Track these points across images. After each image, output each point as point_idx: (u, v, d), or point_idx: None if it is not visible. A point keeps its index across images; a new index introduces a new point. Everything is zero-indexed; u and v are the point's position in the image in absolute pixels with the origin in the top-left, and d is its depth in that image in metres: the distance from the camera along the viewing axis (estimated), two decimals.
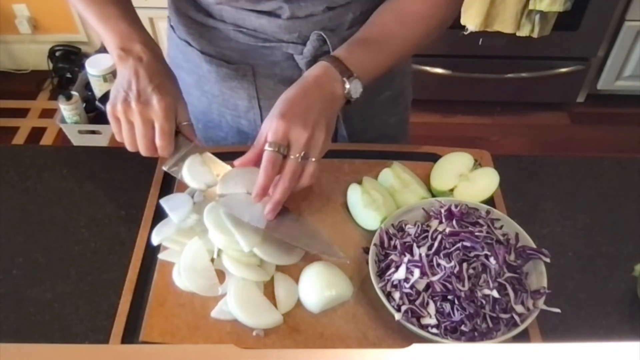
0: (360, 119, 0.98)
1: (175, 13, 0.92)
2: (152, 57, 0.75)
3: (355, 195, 0.82)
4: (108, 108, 0.73)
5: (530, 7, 1.91)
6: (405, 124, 1.09)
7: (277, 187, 0.71)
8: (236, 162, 0.74)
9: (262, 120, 0.92)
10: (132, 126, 0.73)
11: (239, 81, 0.91)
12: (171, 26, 0.95)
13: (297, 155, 0.70)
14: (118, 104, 0.72)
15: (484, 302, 0.67)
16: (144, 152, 0.74)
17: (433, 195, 0.83)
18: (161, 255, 0.77)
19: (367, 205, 0.80)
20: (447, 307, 0.67)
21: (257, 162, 0.71)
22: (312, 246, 0.75)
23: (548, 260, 0.71)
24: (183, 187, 0.85)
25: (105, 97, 0.68)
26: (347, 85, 0.74)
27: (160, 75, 0.74)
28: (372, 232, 0.77)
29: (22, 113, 2.51)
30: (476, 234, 0.71)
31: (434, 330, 0.67)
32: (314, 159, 0.71)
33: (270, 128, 0.70)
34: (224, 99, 0.94)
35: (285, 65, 0.87)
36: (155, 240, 0.78)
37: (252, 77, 0.90)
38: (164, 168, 0.77)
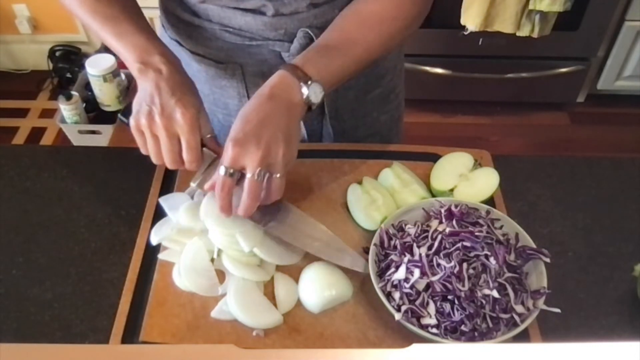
0: (351, 116, 0.98)
1: (164, 13, 0.93)
2: (173, 68, 0.74)
3: (355, 195, 0.82)
4: (131, 122, 0.73)
5: (530, 7, 1.91)
6: (397, 121, 1.09)
7: (240, 205, 0.70)
8: (206, 186, 0.74)
9: None
10: (157, 140, 0.72)
11: (229, 80, 0.91)
12: (162, 26, 0.96)
13: (254, 174, 0.68)
14: (142, 118, 0.71)
15: (484, 302, 0.67)
16: (170, 166, 0.73)
17: (433, 195, 0.83)
18: (161, 255, 0.77)
19: (367, 205, 0.80)
20: (447, 307, 0.67)
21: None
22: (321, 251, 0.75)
23: (548, 260, 0.71)
24: (183, 187, 0.85)
25: (127, 110, 0.68)
26: (305, 91, 0.71)
27: (182, 87, 0.73)
28: (372, 232, 0.77)
29: (22, 113, 2.51)
30: (476, 234, 0.71)
31: (434, 330, 0.67)
32: (277, 175, 0.70)
33: (225, 152, 0.69)
34: (215, 98, 0.95)
35: (274, 63, 0.87)
36: (154, 240, 0.78)
37: (241, 76, 0.90)
38: (193, 184, 0.75)
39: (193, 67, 0.92)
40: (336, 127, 0.97)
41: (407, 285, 0.68)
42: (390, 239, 0.75)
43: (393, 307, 0.68)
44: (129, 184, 0.89)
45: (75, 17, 1.28)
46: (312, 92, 0.72)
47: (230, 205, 0.70)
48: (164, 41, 0.94)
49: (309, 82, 0.72)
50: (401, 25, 0.81)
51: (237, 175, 0.69)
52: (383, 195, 0.81)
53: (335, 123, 0.96)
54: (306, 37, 0.84)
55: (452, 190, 0.83)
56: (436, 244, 0.71)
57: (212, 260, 0.76)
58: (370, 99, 0.99)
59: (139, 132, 0.73)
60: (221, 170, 0.68)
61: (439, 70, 2.24)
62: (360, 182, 0.84)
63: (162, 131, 0.71)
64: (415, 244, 0.72)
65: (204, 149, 0.75)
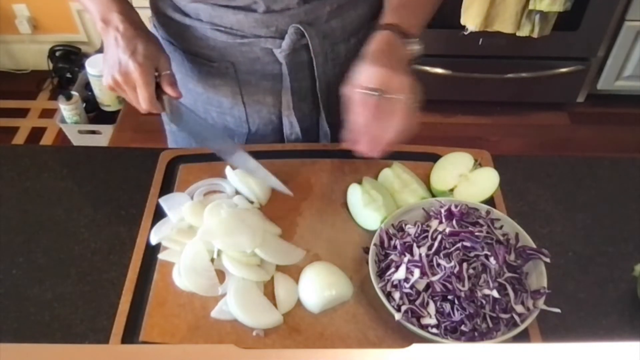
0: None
1: (155, 13, 0.93)
2: (129, 25, 0.79)
3: (355, 195, 0.82)
4: (104, 83, 0.80)
5: (530, 7, 1.91)
6: None
7: (390, 128, 0.74)
8: (343, 143, 0.78)
9: (247, 116, 0.94)
10: (126, 93, 0.80)
11: (222, 78, 0.91)
12: (154, 26, 0.96)
13: (395, 95, 0.73)
14: (109, 78, 0.79)
15: (484, 302, 0.67)
16: (142, 112, 0.81)
17: (433, 195, 0.83)
18: (161, 255, 0.77)
19: (367, 205, 0.80)
20: (447, 307, 0.67)
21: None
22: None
23: (548, 260, 0.71)
24: (183, 187, 0.85)
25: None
26: (412, 46, 0.79)
27: (136, 40, 0.78)
28: (372, 232, 0.77)
29: (22, 113, 2.51)
30: (476, 234, 0.71)
31: (434, 330, 0.67)
32: (410, 101, 0.74)
33: (363, 76, 0.74)
34: (208, 97, 0.95)
35: (266, 60, 0.88)
36: (153, 240, 0.78)
37: (234, 74, 0.90)
38: (168, 121, 0.84)
39: (186, 66, 0.92)
40: (331, 121, 0.97)
41: (407, 285, 0.68)
42: (390, 239, 0.75)
43: (393, 307, 0.68)
44: (129, 184, 0.89)
45: None
46: (414, 47, 0.79)
47: (364, 122, 0.75)
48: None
49: (410, 39, 0.79)
50: None
51: (379, 95, 0.73)
52: (383, 195, 0.81)
53: (330, 119, 0.96)
54: (297, 32, 0.84)
55: (452, 190, 0.83)
56: (436, 244, 0.71)
57: (212, 260, 0.76)
58: None
59: (112, 90, 0.80)
60: (359, 89, 0.73)
61: (439, 70, 2.24)
62: (360, 182, 0.84)
63: (124, 87, 0.78)
64: (415, 244, 0.72)
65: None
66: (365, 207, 0.80)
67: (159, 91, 0.80)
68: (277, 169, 0.87)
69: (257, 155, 0.89)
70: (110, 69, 0.78)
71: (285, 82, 0.89)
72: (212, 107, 0.96)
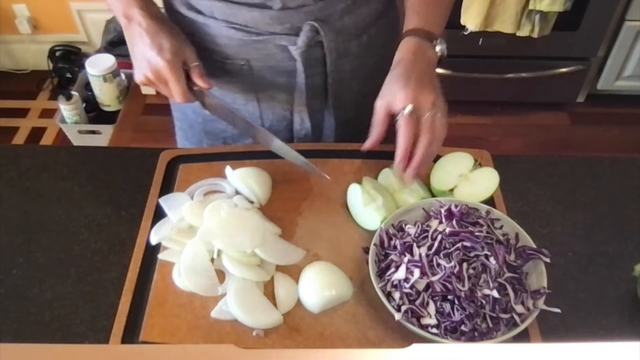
0: (355, 106, 0.98)
1: (168, 11, 0.93)
2: (150, 19, 0.81)
3: (355, 195, 0.82)
4: (136, 80, 0.83)
5: (530, 7, 1.91)
6: None
7: (418, 146, 0.76)
8: (366, 145, 0.81)
9: (260, 112, 0.95)
10: (160, 89, 0.83)
11: (236, 75, 0.91)
12: None
13: (430, 113, 0.76)
14: (141, 76, 0.82)
15: (484, 302, 0.67)
16: (180, 101, 0.83)
17: (433, 195, 0.83)
18: (161, 255, 0.77)
19: (367, 205, 0.80)
20: (447, 307, 0.67)
21: (382, 140, 0.80)
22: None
23: (548, 260, 0.71)
24: (183, 187, 0.85)
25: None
26: (438, 48, 0.82)
27: (160, 35, 0.80)
28: (372, 232, 0.77)
29: (22, 113, 2.51)
30: (476, 234, 0.71)
31: (434, 330, 0.67)
32: (439, 115, 0.77)
33: (396, 99, 0.77)
34: (222, 93, 0.95)
35: (280, 57, 0.88)
36: (153, 240, 0.78)
37: (248, 71, 0.90)
38: (206, 111, 0.87)
39: (200, 62, 0.92)
40: (339, 117, 0.97)
41: (407, 285, 0.68)
42: (390, 239, 0.75)
43: (393, 307, 0.68)
44: (129, 184, 0.89)
45: None
46: (442, 47, 0.82)
47: (411, 143, 0.76)
48: None
49: (437, 40, 0.82)
50: None
51: (417, 114, 0.76)
52: (383, 196, 0.81)
53: (338, 113, 0.97)
54: (312, 30, 0.84)
55: (452, 190, 0.83)
56: (436, 244, 0.71)
57: (212, 260, 0.76)
58: (374, 90, 0.99)
59: (146, 85, 0.83)
60: (403, 112, 0.75)
61: (439, 70, 2.22)
62: (360, 182, 0.84)
63: (157, 83, 0.81)
64: (415, 244, 0.72)
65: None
66: (365, 207, 0.80)
67: (190, 83, 0.82)
68: (276, 168, 0.87)
69: (257, 155, 0.89)
70: (140, 66, 0.81)
71: (299, 79, 0.90)
72: (226, 102, 0.96)
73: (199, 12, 0.87)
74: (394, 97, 0.77)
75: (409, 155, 0.77)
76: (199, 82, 0.81)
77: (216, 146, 1.02)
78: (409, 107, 0.75)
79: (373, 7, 0.91)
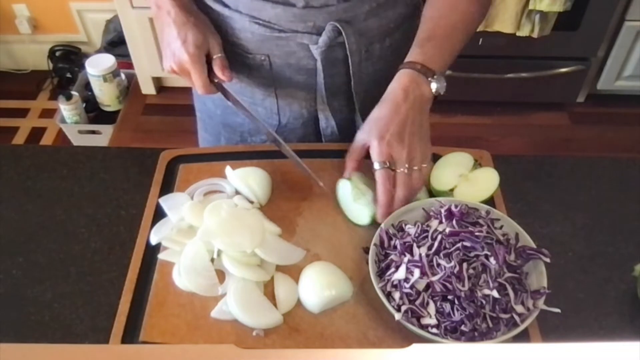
0: None
1: (195, 2, 0.93)
2: (179, 9, 0.84)
3: (344, 190, 0.82)
4: (165, 69, 0.86)
5: (530, 7, 1.91)
6: None
7: (395, 198, 0.78)
8: (345, 175, 0.82)
9: (278, 109, 0.96)
10: (184, 79, 0.85)
11: (256, 70, 0.92)
12: None
13: (404, 169, 0.77)
14: (167, 66, 0.85)
15: (484, 302, 0.67)
16: (201, 93, 0.85)
17: (433, 195, 0.83)
18: (161, 255, 0.77)
19: (357, 200, 0.80)
20: (447, 307, 0.67)
21: (358, 167, 0.82)
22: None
23: (548, 260, 0.71)
24: (183, 187, 0.85)
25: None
26: (434, 85, 0.80)
27: (186, 27, 0.83)
28: (364, 227, 0.78)
29: (22, 113, 2.51)
30: (476, 234, 0.71)
31: (434, 330, 0.66)
32: (415, 167, 0.78)
33: (372, 147, 0.78)
34: (242, 87, 0.96)
35: (301, 55, 0.88)
36: (153, 240, 0.78)
37: (268, 66, 0.91)
38: (227, 103, 0.88)
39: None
40: (365, 118, 0.97)
41: (407, 285, 0.68)
42: (390, 239, 0.75)
43: (393, 307, 0.68)
44: (129, 184, 0.89)
45: None
46: (439, 85, 0.80)
47: (391, 195, 0.78)
48: None
49: (435, 76, 0.80)
50: (482, 4, 0.89)
51: (392, 167, 0.78)
52: (373, 190, 0.81)
53: (364, 116, 0.96)
54: (334, 30, 0.85)
55: (452, 190, 0.83)
56: (436, 244, 0.71)
57: (212, 260, 0.76)
58: None
59: (173, 74, 0.86)
60: (376, 165, 0.77)
61: None
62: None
63: (180, 73, 0.84)
64: (415, 244, 0.72)
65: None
66: (355, 202, 0.80)
67: (211, 75, 0.84)
68: (276, 169, 0.87)
69: (257, 155, 0.89)
70: (167, 56, 0.84)
71: (319, 78, 0.90)
72: (244, 97, 0.97)
73: (225, 5, 0.88)
74: (371, 143, 0.78)
75: (389, 208, 0.77)
76: (219, 73, 0.83)
77: (232, 140, 1.04)
78: (382, 164, 0.76)
79: (398, 11, 0.90)
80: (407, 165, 0.77)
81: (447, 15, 0.85)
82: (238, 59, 0.92)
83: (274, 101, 0.95)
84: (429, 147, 0.81)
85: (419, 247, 0.71)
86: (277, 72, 0.91)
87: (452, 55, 0.85)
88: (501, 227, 0.75)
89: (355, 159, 0.82)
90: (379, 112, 0.80)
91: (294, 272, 0.76)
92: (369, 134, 0.79)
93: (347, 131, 0.99)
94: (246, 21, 0.87)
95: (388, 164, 0.77)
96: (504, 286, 0.68)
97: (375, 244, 0.74)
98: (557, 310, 0.69)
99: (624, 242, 0.81)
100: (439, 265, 0.69)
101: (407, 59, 0.82)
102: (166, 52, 0.85)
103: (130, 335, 0.70)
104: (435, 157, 0.87)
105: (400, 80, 0.80)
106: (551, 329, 0.71)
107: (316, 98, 0.94)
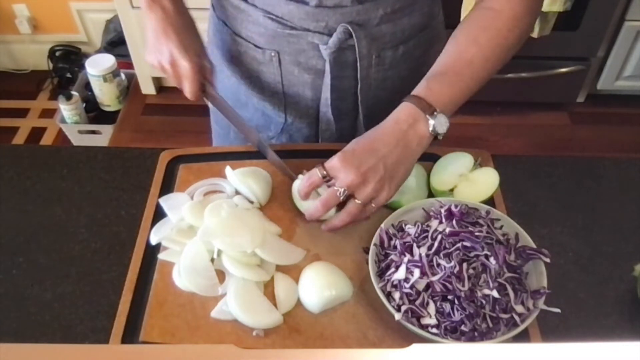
0: (385, 115, 0.98)
1: None
2: (176, 9, 0.84)
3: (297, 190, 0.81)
4: (148, 61, 0.86)
5: None
6: None
7: (335, 218, 0.77)
8: (301, 195, 0.79)
9: (285, 106, 0.96)
10: (171, 79, 0.85)
11: (265, 65, 0.92)
12: (212, 5, 0.98)
13: (338, 191, 0.73)
14: (155, 62, 0.84)
15: (484, 302, 0.67)
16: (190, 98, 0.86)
17: (433, 195, 0.83)
18: (161, 255, 0.77)
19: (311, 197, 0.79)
20: (447, 307, 0.67)
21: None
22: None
23: (548, 260, 0.71)
24: (183, 187, 0.85)
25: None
26: (432, 122, 0.74)
27: (183, 30, 0.83)
28: (365, 227, 0.77)
29: (22, 113, 2.51)
30: (476, 234, 0.71)
31: (434, 330, 0.67)
32: (358, 201, 0.74)
33: (340, 180, 0.74)
34: (251, 81, 0.96)
35: (310, 54, 0.88)
36: (153, 240, 0.78)
37: (277, 63, 0.91)
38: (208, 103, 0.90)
39: (234, 48, 0.94)
40: (368, 123, 0.97)
41: (407, 285, 0.68)
42: (390, 239, 0.75)
43: (393, 307, 0.68)
44: (129, 184, 0.89)
45: None
46: (438, 123, 0.75)
47: (308, 196, 0.78)
48: (212, 20, 1.00)
49: (435, 113, 0.75)
50: (517, 34, 0.83)
51: (327, 179, 0.75)
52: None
53: (368, 122, 0.96)
54: (345, 32, 0.84)
55: (452, 190, 0.83)
56: (436, 244, 0.71)
57: (212, 260, 0.76)
58: (401, 98, 0.99)
59: (157, 68, 0.85)
60: (318, 170, 0.75)
61: None
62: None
63: (172, 77, 0.84)
64: (415, 244, 0.72)
65: None
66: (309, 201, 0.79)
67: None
68: (276, 168, 0.87)
69: (257, 155, 0.89)
70: (157, 53, 0.83)
71: (326, 79, 0.89)
72: (254, 91, 0.98)
73: None
74: (339, 173, 0.74)
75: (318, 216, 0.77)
76: (214, 83, 0.85)
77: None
78: (344, 192, 0.73)
79: (414, 20, 0.89)
80: (342, 190, 0.73)
81: (465, 49, 0.80)
82: (249, 53, 0.92)
83: (281, 98, 0.95)
84: (390, 193, 0.75)
85: (419, 247, 0.71)
86: (285, 69, 0.91)
87: (464, 92, 0.80)
88: (501, 227, 0.75)
89: (316, 186, 0.77)
90: (363, 141, 0.76)
91: (294, 272, 0.76)
92: (343, 162, 0.74)
93: (349, 138, 0.98)
94: (260, 15, 0.87)
95: (326, 176, 0.75)
96: (504, 286, 0.68)
97: (375, 244, 0.74)
98: (557, 310, 0.69)
99: (624, 242, 0.81)
100: (439, 265, 0.69)
101: (412, 92, 0.78)
102: (156, 47, 0.84)
103: (130, 335, 0.70)
104: (435, 157, 0.87)
105: (398, 112, 0.77)
106: (551, 329, 0.71)
107: (321, 99, 0.93)
